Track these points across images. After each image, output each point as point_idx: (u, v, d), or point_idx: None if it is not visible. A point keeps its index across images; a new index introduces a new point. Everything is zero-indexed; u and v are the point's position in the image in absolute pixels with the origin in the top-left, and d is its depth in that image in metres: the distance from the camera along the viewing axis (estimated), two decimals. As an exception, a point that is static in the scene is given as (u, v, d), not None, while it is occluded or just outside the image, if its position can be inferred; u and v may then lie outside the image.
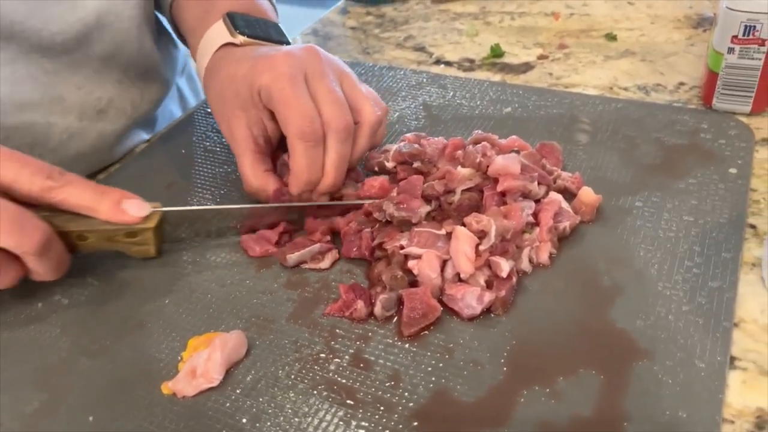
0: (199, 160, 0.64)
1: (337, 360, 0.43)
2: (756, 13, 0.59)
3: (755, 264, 0.48)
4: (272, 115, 0.52)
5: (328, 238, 0.50)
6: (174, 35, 0.72)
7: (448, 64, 0.78)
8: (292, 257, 0.49)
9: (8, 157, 0.45)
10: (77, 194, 0.46)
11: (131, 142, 0.69)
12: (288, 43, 0.58)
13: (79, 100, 0.62)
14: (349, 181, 0.53)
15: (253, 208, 0.53)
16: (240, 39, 0.56)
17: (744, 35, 0.60)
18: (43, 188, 0.45)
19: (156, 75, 0.70)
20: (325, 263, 0.49)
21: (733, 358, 0.41)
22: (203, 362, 0.42)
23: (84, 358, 0.45)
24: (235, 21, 0.57)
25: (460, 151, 0.53)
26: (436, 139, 0.55)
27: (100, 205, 0.47)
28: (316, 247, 0.49)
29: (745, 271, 0.47)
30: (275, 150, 0.55)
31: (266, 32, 0.58)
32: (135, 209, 0.47)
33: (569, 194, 0.54)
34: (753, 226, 0.51)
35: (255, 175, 0.52)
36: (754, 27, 0.59)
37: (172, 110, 0.79)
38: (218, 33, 0.57)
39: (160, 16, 0.72)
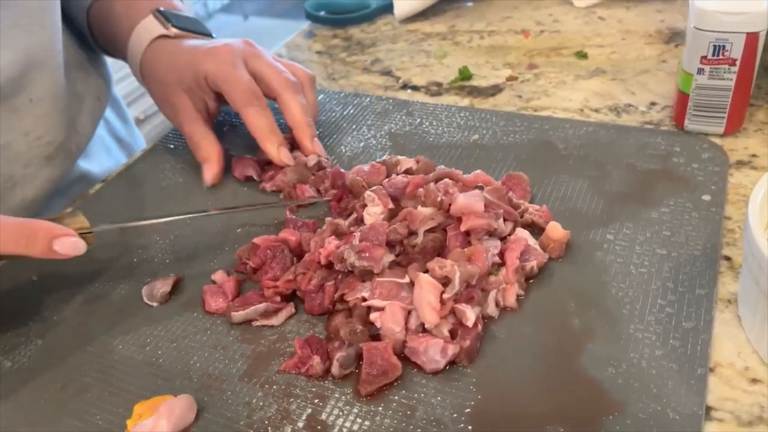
0: (155, 199, 0.61)
1: (291, 424, 0.40)
2: (725, 32, 0.57)
3: (731, 300, 0.46)
4: (215, 96, 0.61)
5: (278, 299, 0.47)
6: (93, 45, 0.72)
7: (415, 88, 0.76)
8: (238, 315, 0.46)
9: None
10: (5, 240, 0.44)
11: (75, 174, 0.68)
12: (212, 35, 0.66)
13: (26, 147, 0.60)
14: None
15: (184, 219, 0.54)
16: (173, 31, 0.63)
17: (713, 55, 0.58)
18: None
19: (92, 103, 0.68)
20: (277, 320, 0.46)
21: (709, 408, 0.39)
22: (148, 432, 0.39)
23: (22, 429, 0.42)
24: (166, 15, 0.63)
25: (421, 189, 0.51)
26: (398, 177, 0.53)
27: (33, 249, 0.45)
28: (262, 306, 0.46)
29: (720, 308, 0.45)
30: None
31: (194, 26, 0.65)
32: (68, 249, 0.45)
33: (537, 228, 0.52)
34: (728, 258, 0.49)
35: (197, 130, 0.60)
36: (724, 47, 0.57)
37: (100, 135, 0.76)
38: (150, 26, 0.63)
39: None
